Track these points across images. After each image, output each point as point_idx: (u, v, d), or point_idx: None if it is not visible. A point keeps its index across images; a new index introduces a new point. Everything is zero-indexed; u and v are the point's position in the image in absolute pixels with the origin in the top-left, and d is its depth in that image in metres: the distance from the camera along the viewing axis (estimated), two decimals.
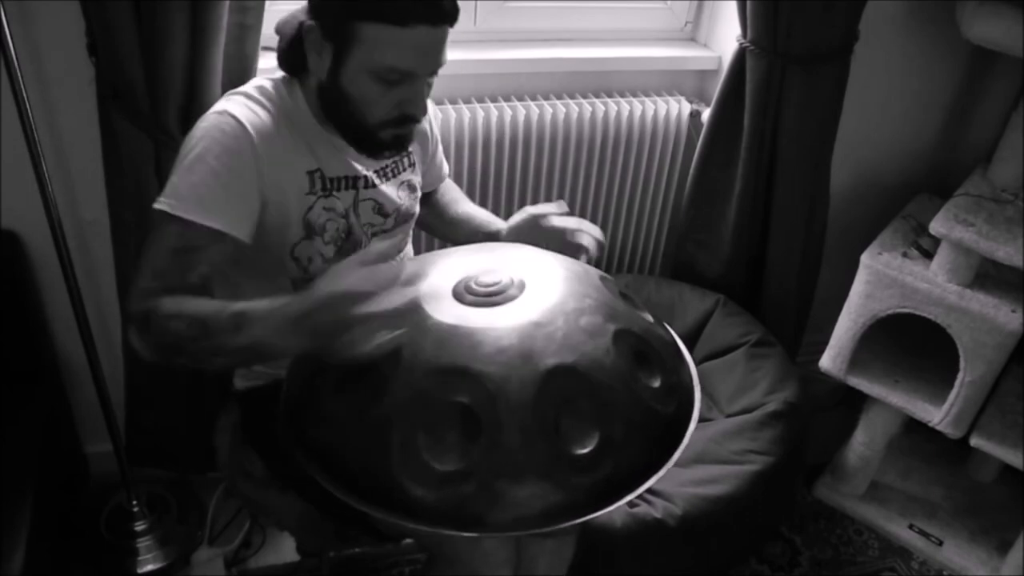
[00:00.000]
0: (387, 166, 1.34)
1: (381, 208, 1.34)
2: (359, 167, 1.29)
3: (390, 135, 1.20)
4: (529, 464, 0.93)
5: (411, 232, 1.46)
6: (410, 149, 1.37)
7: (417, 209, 1.44)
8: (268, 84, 1.23)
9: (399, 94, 1.15)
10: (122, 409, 1.72)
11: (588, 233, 1.32)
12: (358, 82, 1.14)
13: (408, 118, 1.19)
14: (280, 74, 1.25)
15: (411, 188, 1.40)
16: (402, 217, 1.39)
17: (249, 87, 1.22)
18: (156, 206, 1.10)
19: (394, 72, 1.12)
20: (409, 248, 1.49)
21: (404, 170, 1.38)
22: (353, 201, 1.29)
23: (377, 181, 1.32)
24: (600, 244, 1.33)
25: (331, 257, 1.28)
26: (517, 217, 1.39)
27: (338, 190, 1.27)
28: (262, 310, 0.99)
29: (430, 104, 1.41)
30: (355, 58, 1.12)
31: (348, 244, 1.30)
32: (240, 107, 1.16)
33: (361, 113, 1.17)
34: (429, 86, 1.20)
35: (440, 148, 1.53)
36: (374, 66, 1.12)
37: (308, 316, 0.95)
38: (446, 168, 1.58)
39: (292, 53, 1.20)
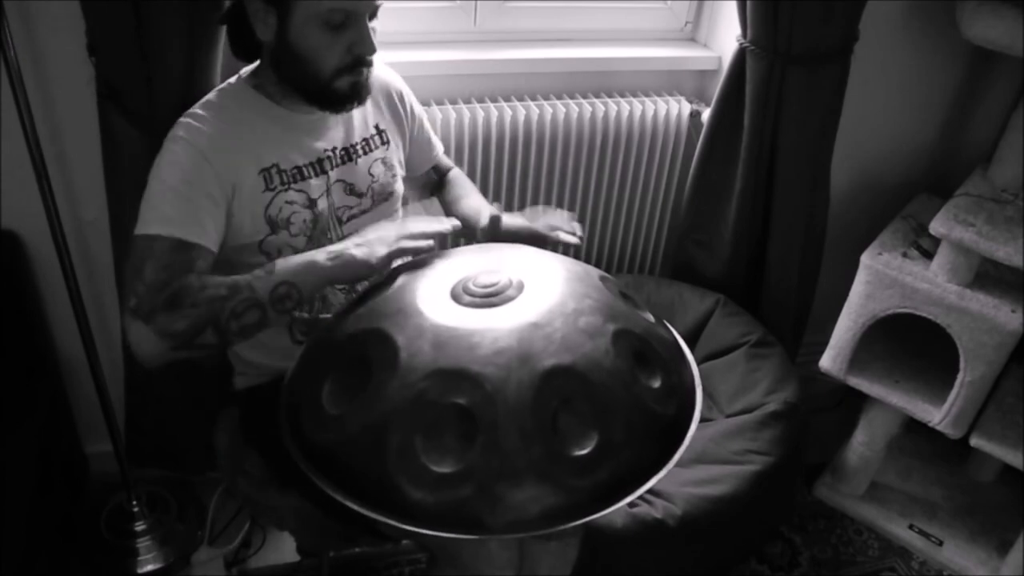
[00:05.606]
0: (357, 144, 1.37)
1: (353, 188, 1.36)
2: (323, 146, 1.32)
3: (347, 84, 1.25)
4: (528, 466, 0.93)
5: (397, 213, 1.46)
6: (382, 127, 1.41)
7: (398, 188, 1.44)
8: (217, 94, 1.28)
9: (347, 38, 1.21)
10: (122, 409, 1.73)
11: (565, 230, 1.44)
12: (306, 34, 1.19)
13: (360, 61, 1.24)
14: (235, 77, 1.31)
15: (387, 165, 1.41)
16: (379, 196, 1.40)
17: (200, 103, 1.27)
18: (135, 232, 1.17)
19: (338, 12, 1.18)
20: None
21: (377, 148, 1.40)
22: (326, 186, 1.32)
23: (346, 159, 1.35)
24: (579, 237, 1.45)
25: (302, 249, 1.31)
26: (519, 223, 1.44)
27: (302, 179, 1.29)
28: (293, 257, 1.19)
29: (402, 83, 1.47)
30: (298, 11, 1.17)
31: (317, 232, 1.32)
32: (185, 129, 1.22)
33: (315, 66, 1.22)
34: (374, 30, 1.25)
35: (426, 125, 1.55)
36: (318, 13, 1.17)
37: (340, 255, 1.17)
38: (439, 148, 1.60)
39: (238, 33, 1.27)
